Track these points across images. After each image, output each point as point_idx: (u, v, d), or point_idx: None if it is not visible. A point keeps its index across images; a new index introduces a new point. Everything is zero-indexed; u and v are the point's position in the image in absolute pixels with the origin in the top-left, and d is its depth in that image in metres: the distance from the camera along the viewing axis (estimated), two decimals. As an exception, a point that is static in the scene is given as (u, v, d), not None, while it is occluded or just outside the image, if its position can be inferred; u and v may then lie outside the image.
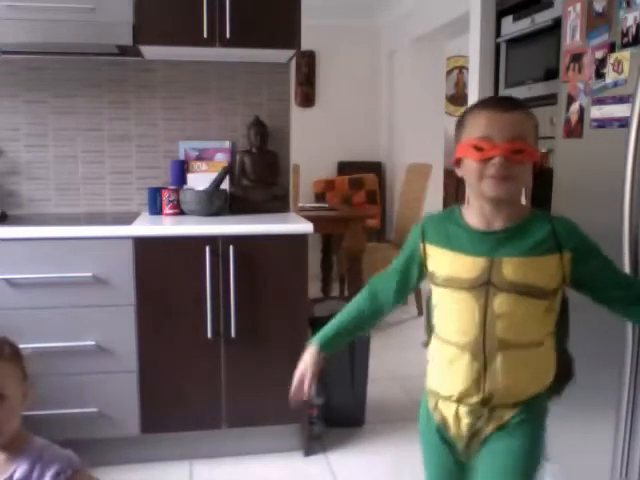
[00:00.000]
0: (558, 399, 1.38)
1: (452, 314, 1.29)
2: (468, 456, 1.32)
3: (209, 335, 2.30)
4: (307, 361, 1.43)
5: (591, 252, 1.27)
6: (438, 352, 1.33)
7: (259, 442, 2.46)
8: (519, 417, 1.27)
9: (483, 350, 1.24)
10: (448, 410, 1.32)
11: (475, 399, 1.27)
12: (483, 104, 1.27)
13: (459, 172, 1.29)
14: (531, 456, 1.30)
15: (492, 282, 1.23)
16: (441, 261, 1.29)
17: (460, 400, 1.29)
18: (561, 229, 1.25)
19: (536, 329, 1.26)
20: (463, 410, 1.29)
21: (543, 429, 1.33)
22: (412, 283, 1.40)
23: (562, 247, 1.23)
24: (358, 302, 1.48)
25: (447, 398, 1.31)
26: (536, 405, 1.30)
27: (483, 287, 1.23)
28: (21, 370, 1.25)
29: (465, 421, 1.29)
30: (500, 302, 1.23)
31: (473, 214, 1.28)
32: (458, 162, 1.28)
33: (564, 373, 1.36)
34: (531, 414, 1.29)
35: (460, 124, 1.28)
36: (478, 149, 1.20)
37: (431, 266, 1.32)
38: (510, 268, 1.22)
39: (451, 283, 1.27)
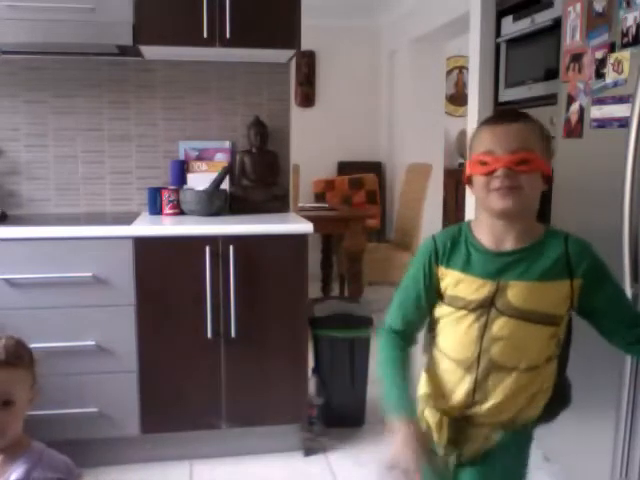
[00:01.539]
0: (549, 423, 1.37)
1: (451, 331, 1.28)
2: (446, 468, 1.32)
3: (209, 335, 2.30)
4: (407, 443, 1.17)
5: (602, 280, 1.25)
6: (436, 362, 1.33)
7: (259, 442, 2.46)
8: (500, 445, 1.27)
9: (476, 369, 1.25)
10: (433, 418, 1.33)
11: (459, 412, 1.28)
12: (486, 121, 1.29)
13: (472, 191, 1.29)
14: None
15: (495, 305, 1.22)
16: (450, 281, 1.28)
17: (445, 412, 1.30)
18: (574, 250, 1.23)
19: (535, 354, 1.25)
20: (446, 420, 1.30)
21: (524, 459, 1.32)
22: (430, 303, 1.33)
23: (573, 272, 1.22)
24: (393, 347, 1.32)
25: (433, 406, 1.32)
26: (520, 432, 1.29)
27: (485, 309, 1.23)
28: (33, 376, 1.27)
29: (445, 431, 1.30)
30: (501, 326, 1.23)
31: (484, 232, 1.27)
32: (469, 181, 1.28)
33: (560, 399, 1.34)
34: (513, 443, 1.28)
35: (469, 146, 1.30)
36: (483, 164, 1.22)
37: (441, 285, 1.30)
38: (516, 293, 1.21)
39: (455, 302, 1.26)
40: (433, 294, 1.30)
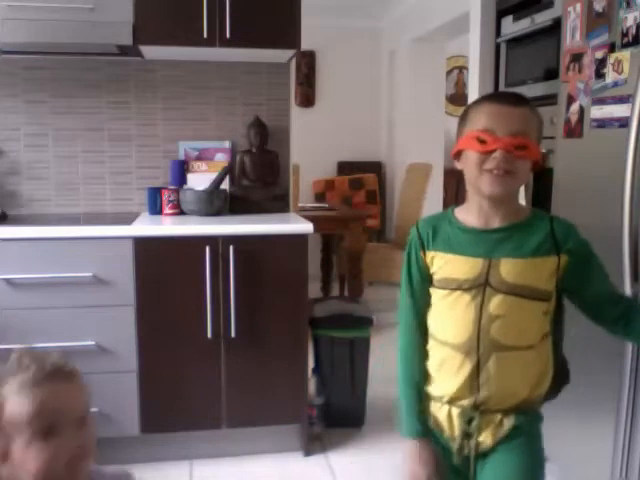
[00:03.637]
0: (554, 399, 1.37)
1: (447, 314, 1.27)
2: (463, 461, 1.29)
3: (209, 335, 2.30)
4: (417, 465, 1.29)
5: (587, 258, 1.25)
6: (432, 352, 1.32)
7: (259, 442, 2.46)
8: (516, 429, 1.25)
9: (477, 351, 1.23)
10: (440, 412, 1.30)
11: (467, 401, 1.26)
12: (488, 97, 1.26)
13: (459, 165, 1.27)
14: (534, 471, 1.29)
15: (490, 283, 1.22)
16: (440, 263, 1.28)
17: (451, 402, 1.28)
18: (559, 230, 1.24)
19: (532, 331, 1.25)
20: (455, 412, 1.28)
21: (541, 439, 1.32)
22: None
23: (560, 249, 1.22)
24: (411, 347, 1.36)
25: (439, 399, 1.30)
26: (531, 413, 1.29)
27: (480, 288, 1.22)
28: None
29: (457, 422, 1.28)
30: (497, 304, 1.22)
31: (471, 211, 1.27)
32: (458, 155, 1.26)
33: (560, 375, 1.34)
34: (528, 425, 1.27)
35: (463, 117, 1.27)
36: (480, 141, 1.19)
37: (432, 269, 1.30)
38: (508, 269, 1.21)
39: (448, 284, 1.26)
40: (427, 281, 1.30)
